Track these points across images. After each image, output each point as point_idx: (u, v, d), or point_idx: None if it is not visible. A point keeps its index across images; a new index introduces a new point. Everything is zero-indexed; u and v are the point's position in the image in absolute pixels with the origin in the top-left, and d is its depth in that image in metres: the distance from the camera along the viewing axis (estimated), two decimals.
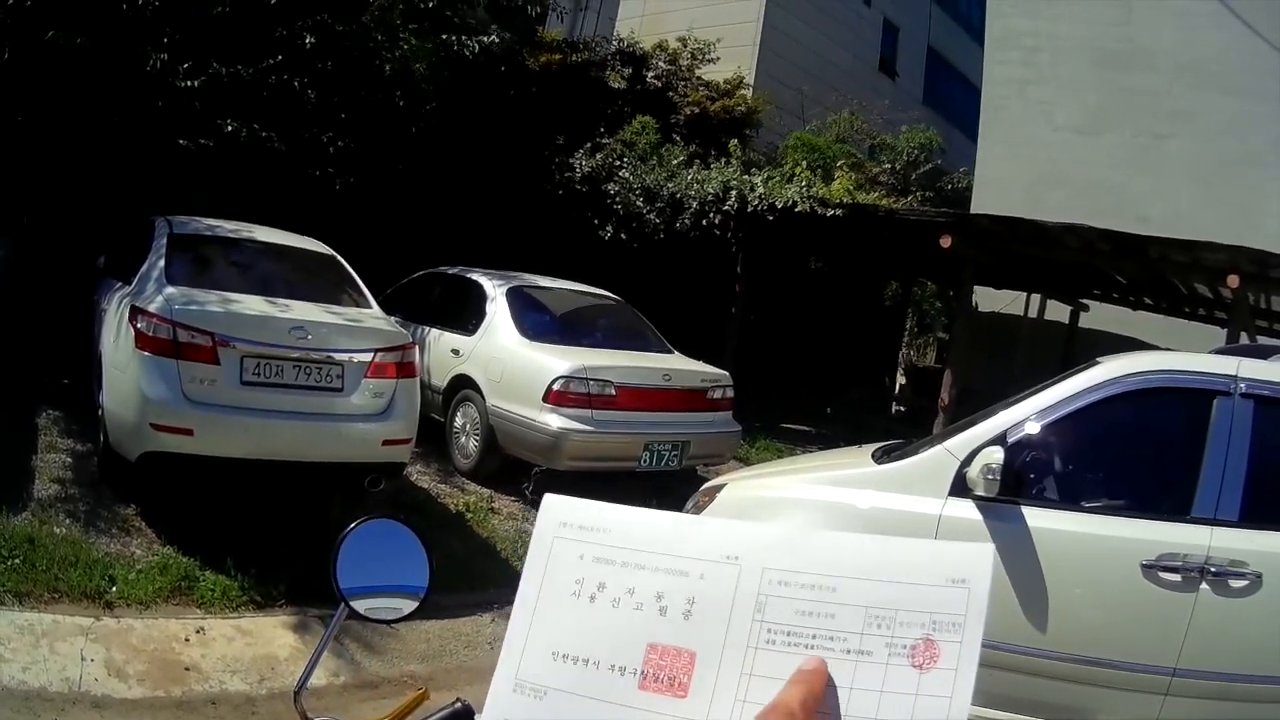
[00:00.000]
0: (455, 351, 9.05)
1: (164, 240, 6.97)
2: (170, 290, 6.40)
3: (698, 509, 5.30)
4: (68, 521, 6.18)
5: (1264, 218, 13.87)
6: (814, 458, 7.21)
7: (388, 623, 1.84)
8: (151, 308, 6.19)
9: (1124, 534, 4.66)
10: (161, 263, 6.73)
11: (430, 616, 5.81)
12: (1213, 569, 4.50)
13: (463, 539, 7.26)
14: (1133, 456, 5.19)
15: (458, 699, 1.54)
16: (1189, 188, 15.01)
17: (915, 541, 0.84)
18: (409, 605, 1.83)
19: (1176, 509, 4.70)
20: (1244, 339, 11.32)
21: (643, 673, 0.86)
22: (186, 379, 6.05)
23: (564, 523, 0.93)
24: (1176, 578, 4.52)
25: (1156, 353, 8.20)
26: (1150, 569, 4.53)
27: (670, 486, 8.08)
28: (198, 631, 5.33)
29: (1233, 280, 10.48)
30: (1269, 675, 4.55)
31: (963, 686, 0.80)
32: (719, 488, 5.47)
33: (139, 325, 6.14)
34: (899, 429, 12.30)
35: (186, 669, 5.01)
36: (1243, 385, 4.67)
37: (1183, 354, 5.25)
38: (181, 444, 6.05)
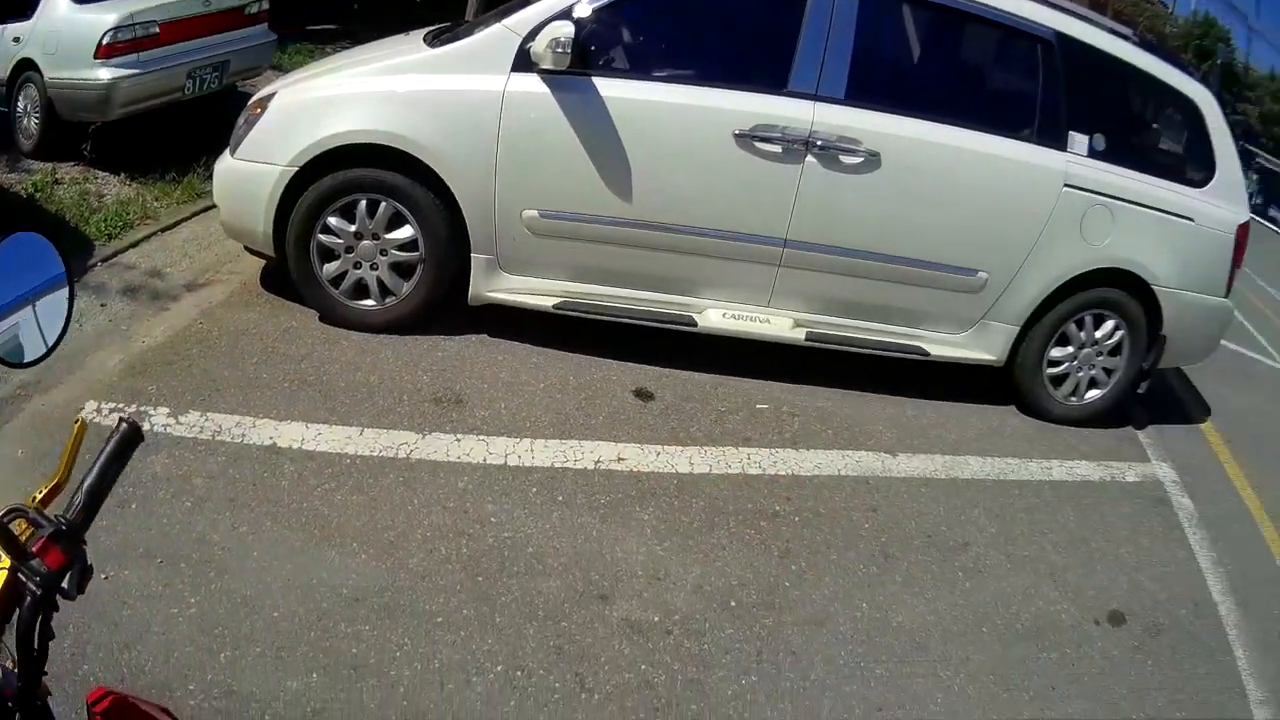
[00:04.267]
0: (17, 40, 8.79)
1: None
2: None
3: (249, 123, 4.95)
4: None
5: None
6: (364, 49, 6.66)
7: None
8: None
9: (710, 104, 4.60)
10: None
11: None
12: (818, 143, 4.55)
13: (35, 219, 6.97)
14: (715, 28, 5.08)
15: (120, 419, 1.33)
16: None
17: None
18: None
19: (771, 83, 4.65)
20: None
21: None
22: None
23: None
24: (776, 149, 4.56)
25: None
26: (744, 138, 4.55)
27: (218, 110, 8.51)
28: None
29: None
30: (885, 253, 4.82)
31: None
32: (269, 97, 5.06)
33: None
34: (430, 16, 11.97)
35: None
36: None
37: None
38: None
